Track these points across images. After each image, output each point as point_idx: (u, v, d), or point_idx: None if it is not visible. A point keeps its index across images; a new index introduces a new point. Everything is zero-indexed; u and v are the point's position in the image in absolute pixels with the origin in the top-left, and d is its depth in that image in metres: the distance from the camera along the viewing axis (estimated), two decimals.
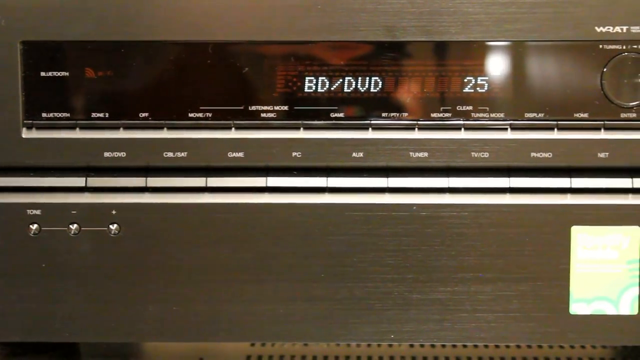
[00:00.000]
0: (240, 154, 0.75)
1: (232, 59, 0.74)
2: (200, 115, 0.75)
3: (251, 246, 0.75)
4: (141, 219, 0.75)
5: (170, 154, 0.75)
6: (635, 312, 0.75)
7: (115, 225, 0.75)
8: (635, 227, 0.74)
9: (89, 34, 0.74)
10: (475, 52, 0.74)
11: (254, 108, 0.75)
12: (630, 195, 0.74)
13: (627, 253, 0.75)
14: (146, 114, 0.75)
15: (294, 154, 0.75)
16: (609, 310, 0.75)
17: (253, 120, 0.75)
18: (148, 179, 0.75)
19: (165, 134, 0.75)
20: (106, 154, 0.75)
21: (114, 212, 0.75)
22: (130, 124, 0.75)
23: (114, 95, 0.75)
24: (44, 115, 0.75)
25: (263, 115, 0.75)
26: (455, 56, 0.74)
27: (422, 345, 0.84)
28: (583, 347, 0.83)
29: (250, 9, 0.74)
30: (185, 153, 0.75)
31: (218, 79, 0.75)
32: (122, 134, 0.75)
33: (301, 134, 0.75)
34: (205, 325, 0.76)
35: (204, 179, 0.75)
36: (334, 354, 0.83)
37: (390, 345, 0.84)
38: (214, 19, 0.74)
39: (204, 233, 0.75)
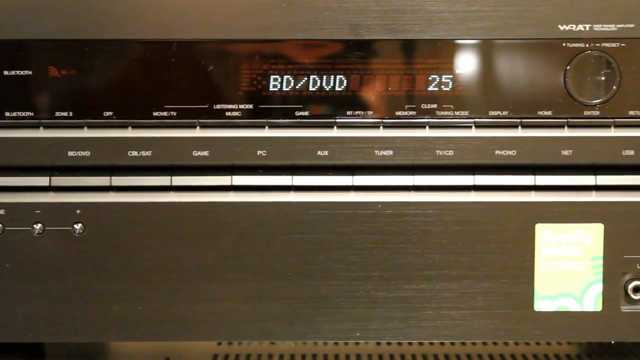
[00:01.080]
0: (205, 153, 0.75)
1: (196, 57, 0.74)
2: (165, 114, 0.75)
3: (216, 245, 0.75)
4: (106, 219, 0.75)
5: (134, 153, 0.74)
6: (599, 308, 0.75)
7: (80, 224, 0.75)
8: (599, 224, 0.75)
9: (52, 32, 0.74)
10: (440, 51, 0.74)
11: (218, 107, 0.75)
12: (593, 193, 0.75)
13: (591, 250, 0.75)
14: (110, 113, 0.74)
15: (259, 152, 0.75)
16: (573, 307, 0.75)
17: (218, 118, 0.75)
18: (112, 178, 0.75)
19: (129, 132, 0.74)
20: (70, 153, 0.74)
21: (78, 211, 0.75)
22: (94, 123, 0.74)
23: (78, 94, 0.75)
24: (7, 114, 0.75)
25: (228, 113, 0.75)
26: (419, 54, 0.74)
27: (389, 343, 0.84)
28: (549, 343, 0.84)
29: (215, 7, 0.74)
30: (150, 152, 0.74)
31: (182, 78, 0.74)
32: (86, 133, 0.75)
33: (266, 132, 0.75)
34: (170, 324, 0.76)
35: (169, 177, 0.75)
36: (301, 353, 0.83)
37: (357, 343, 0.84)
38: (178, 18, 0.74)
39: (169, 232, 0.75)
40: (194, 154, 0.74)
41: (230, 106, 0.75)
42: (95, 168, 0.75)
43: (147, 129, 0.74)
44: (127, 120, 0.74)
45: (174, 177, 0.75)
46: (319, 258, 0.75)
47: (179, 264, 0.75)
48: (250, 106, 0.75)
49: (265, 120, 0.75)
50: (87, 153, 0.74)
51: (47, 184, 0.75)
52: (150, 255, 0.75)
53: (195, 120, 0.75)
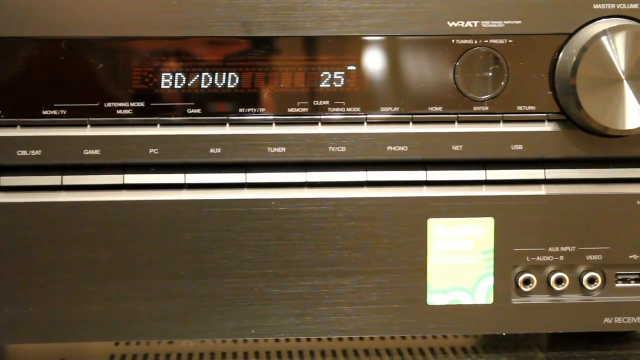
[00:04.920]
0: (96, 152, 0.74)
1: (86, 55, 0.73)
2: (55, 112, 0.74)
3: (109, 244, 0.74)
4: None
5: (24, 152, 0.73)
6: (491, 301, 0.76)
7: None
8: (489, 218, 0.76)
9: None
10: (331, 47, 0.74)
11: (109, 105, 0.74)
12: (484, 187, 0.76)
13: (481, 244, 0.76)
14: None
15: (151, 150, 0.74)
16: (465, 300, 0.76)
17: (109, 117, 0.74)
18: (1, 178, 0.74)
19: (18, 132, 0.73)
20: None
21: None
22: None
23: None
24: None
25: (119, 111, 0.74)
26: (311, 51, 0.75)
27: (287, 340, 0.84)
28: (445, 337, 0.85)
29: (104, 3, 0.73)
30: (40, 151, 0.73)
31: (72, 76, 0.74)
32: None
33: (158, 130, 0.74)
34: (65, 325, 0.75)
35: (60, 177, 0.74)
36: (199, 351, 0.82)
37: (255, 341, 0.84)
38: (67, 15, 0.73)
39: (61, 232, 0.74)
40: (84, 153, 0.74)
41: (121, 104, 0.74)
42: None
43: (36, 128, 0.73)
44: (16, 119, 0.73)
45: (64, 177, 0.74)
46: (213, 256, 0.75)
47: (71, 264, 0.74)
48: (142, 104, 0.74)
49: (157, 118, 0.74)
50: None
51: None
52: (42, 255, 0.74)
53: (86, 119, 0.74)
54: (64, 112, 0.74)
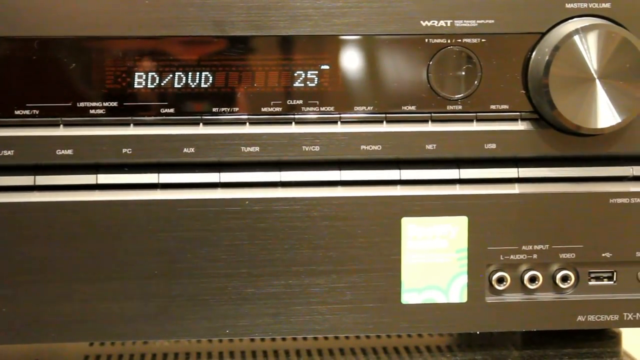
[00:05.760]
0: (69, 152, 0.74)
1: (59, 54, 0.73)
2: (27, 112, 0.73)
3: (83, 245, 0.74)
4: None
5: None
6: (465, 299, 0.77)
7: None
8: (463, 217, 0.76)
9: None
10: (305, 47, 0.74)
11: (82, 104, 0.74)
12: (457, 186, 0.76)
13: (455, 242, 0.76)
14: None
15: (124, 150, 0.74)
16: (440, 298, 0.77)
17: (82, 116, 0.74)
18: None
19: None
20: None
21: None
22: None
23: None
24: None
25: (92, 111, 0.74)
26: (284, 51, 0.75)
27: (262, 339, 0.84)
28: (420, 335, 0.85)
29: (76, 3, 0.73)
30: (12, 151, 0.73)
31: (45, 75, 0.73)
32: None
33: (131, 130, 0.74)
34: (38, 326, 0.75)
35: (32, 177, 0.74)
36: (174, 351, 0.82)
37: (230, 340, 0.84)
38: (40, 14, 0.73)
39: (34, 233, 0.74)
40: (57, 153, 0.73)
41: (94, 104, 0.74)
42: None
43: (8, 128, 0.73)
44: None
45: (37, 177, 0.74)
46: (187, 256, 0.75)
47: (45, 264, 0.74)
48: (115, 104, 0.74)
49: (130, 118, 0.74)
50: None
51: None
52: (15, 256, 0.74)
53: (59, 119, 0.73)
54: (37, 112, 0.73)
